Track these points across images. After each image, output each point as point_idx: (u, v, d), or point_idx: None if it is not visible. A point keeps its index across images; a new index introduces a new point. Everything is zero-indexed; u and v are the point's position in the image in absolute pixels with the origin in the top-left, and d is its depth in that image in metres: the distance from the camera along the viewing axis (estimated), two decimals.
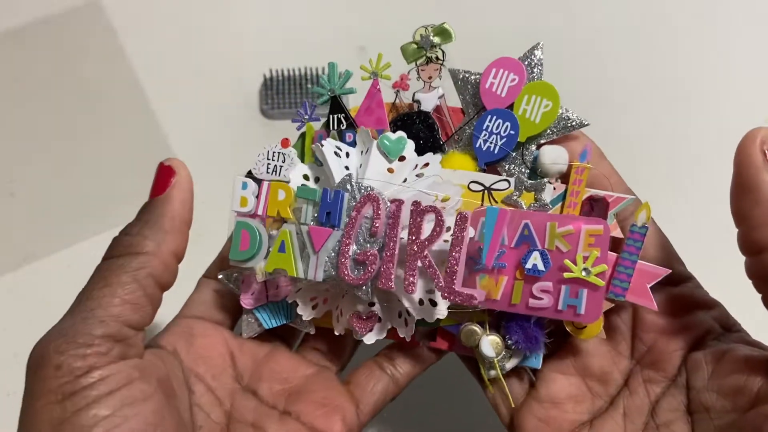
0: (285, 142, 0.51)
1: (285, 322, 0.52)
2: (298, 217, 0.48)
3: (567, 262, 0.44)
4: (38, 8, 0.77)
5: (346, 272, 0.46)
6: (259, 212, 0.49)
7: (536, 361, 0.48)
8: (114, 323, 0.40)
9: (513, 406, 0.49)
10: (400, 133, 0.49)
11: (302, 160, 0.51)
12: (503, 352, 0.47)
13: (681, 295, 0.47)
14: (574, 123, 0.46)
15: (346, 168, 0.49)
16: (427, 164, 0.48)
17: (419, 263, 0.45)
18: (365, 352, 0.55)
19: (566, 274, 0.44)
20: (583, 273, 0.44)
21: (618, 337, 0.49)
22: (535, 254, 0.44)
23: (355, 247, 0.46)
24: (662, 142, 0.76)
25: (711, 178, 0.66)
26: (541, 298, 0.45)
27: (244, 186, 0.49)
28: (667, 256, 0.48)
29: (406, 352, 0.52)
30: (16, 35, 0.77)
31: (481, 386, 0.52)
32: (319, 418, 0.48)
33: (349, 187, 0.47)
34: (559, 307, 0.44)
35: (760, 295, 0.40)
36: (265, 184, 0.49)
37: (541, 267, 0.44)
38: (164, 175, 0.44)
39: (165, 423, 0.41)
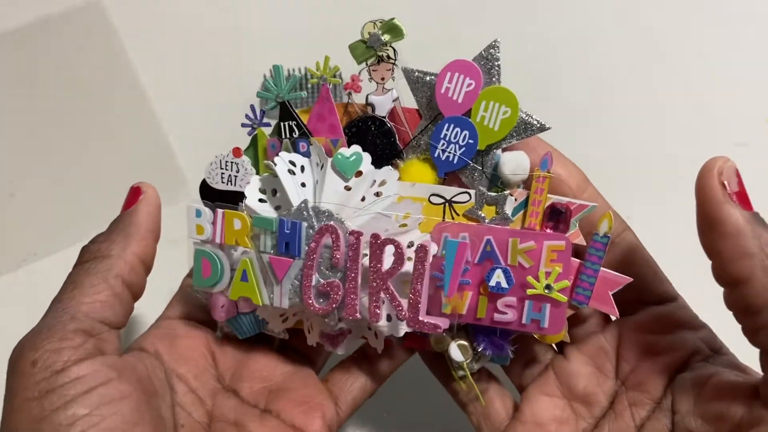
0: (237, 152, 0.46)
1: (259, 331, 0.48)
2: (257, 245, 0.43)
3: (530, 278, 0.41)
4: (38, 8, 0.73)
5: (311, 302, 0.42)
6: (217, 240, 0.44)
7: (504, 360, 0.45)
8: (85, 318, 0.39)
9: (483, 405, 0.46)
10: (355, 148, 0.43)
11: (256, 167, 0.46)
12: (472, 355, 0.45)
13: (666, 314, 0.43)
14: (534, 127, 0.42)
15: (303, 185, 0.43)
16: (384, 182, 0.43)
17: (382, 295, 0.40)
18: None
19: (529, 291, 0.41)
20: (546, 290, 0.41)
21: (602, 357, 0.44)
22: (498, 272, 0.41)
23: (317, 276, 0.42)
24: (651, 158, 0.71)
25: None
26: (505, 313, 0.42)
27: (198, 214, 0.45)
28: (653, 275, 0.43)
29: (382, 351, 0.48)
30: (16, 35, 0.74)
31: (445, 388, 0.49)
32: (299, 416, 0.46)
33: (305, 213, 0.42)
34: (523, 321, 0.42)
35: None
36: (219, 213, 0.44)
37: (504, 284, 0.41)
38: (133, 193, 0.45)
39: (144, 421, 0.39)
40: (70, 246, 0.72)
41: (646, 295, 0.43)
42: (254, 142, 0.47)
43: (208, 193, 0.48)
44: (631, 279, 0.42)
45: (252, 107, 0.47)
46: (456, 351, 0.44)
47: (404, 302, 0.40)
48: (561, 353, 0.46)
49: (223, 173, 0.47)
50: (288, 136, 0.46)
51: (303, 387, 0.48)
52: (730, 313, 0.37)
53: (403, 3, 0.75)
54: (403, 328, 0.42)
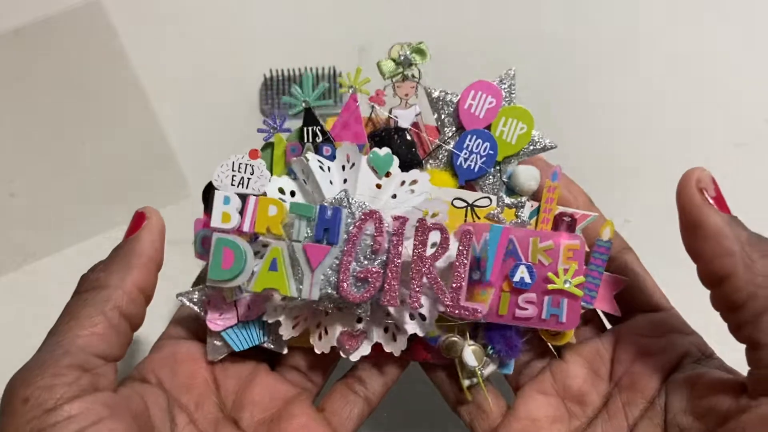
0: (254, 153, 0.46)
1: (256, 344, 0.47)
2: (289, 234, 0.43)
3: (550, 274, 0.44)
4: (38, 8, 0.74)
5: (347, 290, 0.42)
6: (246, 228, 0.43)
7: (508, 368, 0.47)
8: (80, 353, 0.38)
9: (492, 409, 0.47)
10: (387, 150, 0.45)
11: (270, 171, 0.47)
12: (484, 360, 0.46)
13: (660, 320, 0.46)
14: (544, 145, 0.47)
15: (330, 183, 0.45)
16: (415, 181, 0.45)
17: (425, 279, 0.42)
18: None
19: (550, 286, 0.44)
20: (566, 285, 0.44)
21: (598, 361, 0.46)
22: (522, 268, 0.44)
23: (355, 264, 0.43)
24: (650, 158, 0.72)
25: None
26: (526, 309, 0.44)
27: (227, 201, 0.44)
28: (649, 287, 0.46)
29: (373, 371, 0.49)
30: (16, 35, 0.74)
31: (445, 399, 0.50)
32: None
33: (345, 203, 0.43)
34: (543, 317, 0.44)
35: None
36: (252, 199, 0.43)
37: (528, 280, 0.44)
38: (137, 219, 0.44)
39: None
40: (70, 246, 0.71)
41: (641, 304, 0.47)
42: (270, 148, 0.49)
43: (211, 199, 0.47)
44: (628, 280, 0.46)
45: (272, 114, 0.48)
46: (470, 355, 0.45)
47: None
48: (559, 357, 0.48)
49: (234, 176, 0.46)
50: (311, 140, 0.47)
51: (302, 416, 0.47)
52: (721, 321, 0.40)
53: (401, 6, 0.76)
54: (427, 328, 0.44)
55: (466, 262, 0.42)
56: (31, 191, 0.73)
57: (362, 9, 0.77)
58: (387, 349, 0.45)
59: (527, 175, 0.47)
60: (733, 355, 0.41)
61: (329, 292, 0.43)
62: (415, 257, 0.42)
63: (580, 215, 0.46)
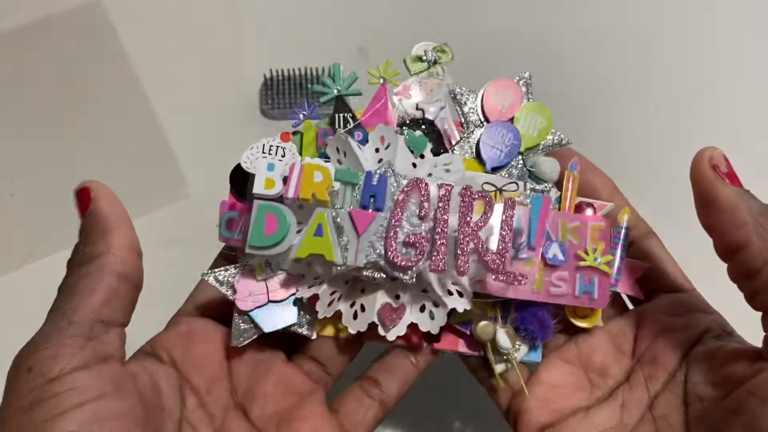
0: (285, 136, 0.45)
1: (288, 325, 0.45)
2: (333, 201, 0.43)
3: (580, 252, 0.46)
4: (38, 8, 0.74)
5: (395, 255, 0.42)
6: (290, 194, 0.43)
7: (537, 355, 0.48)
8: (84, 322, 0.38)
9: (528, 396, 0.47)
10: (420, 133, 0.47)
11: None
12: (516, 343, 0.47)
13: (682, 300, 0.47)
14: (561, 141, 0.50)
15: (367, 161, 0.45)
16: (450, 161, 0.46)
17: (472, 245, 0.42)
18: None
19: (581, 263, 0.45)
20: (596, 261, 0.45)
21: (622, 338, 0.48)
22: (554, 245, 0.46)
23: (401, 231, 0.43)
24: (650, 158, 0.74)
25: None
26: (559, 286, 0.46)
27: (271, 167, 0.44)
28: (671, 269, 0.48)
29: (389, 374, 0.48)
30: (16, 35, 0.74)
31: (482, 385, 0.50)
32: None
33: (390, 173, 0.44)
34: (576, 294, 0.46)
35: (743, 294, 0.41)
36: (297, 165, 0.43)
37: (560, 257, 0.45)
38: (82, 196, 0.43)
39: None
40: (70, 246, 0.72)
41: (664, 285, 0.48)
42: (299, 136, 0.50)
43: (238, 182, 0.48)
44: (649, 264, 0.48)
45: (303, 102, 0.49)
46: (504, 337, 0.46)
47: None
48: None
49: (264, 158, 0.46)
50: (342, 126, 0.48)
51: (314, 416, 0.46)
52: (739, 307, 0.41)
53: (401, 6, 0.78)
54: (465, 304, 0.44)
55: (511, 226, 0.43)
56: (31, 191, 0.72)
57: (362, 9, 0.79)
58: (424, 329, 0.45)
59: (549, 165, 0.49)
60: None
61: (375, 259, 0.42)
62: (462, 222, 0.42)
63: (599, 204, 0.48)
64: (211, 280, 0.45)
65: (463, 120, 0.50)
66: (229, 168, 0.47)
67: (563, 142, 0.50)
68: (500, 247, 0.43)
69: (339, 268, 0.43)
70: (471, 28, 0.77)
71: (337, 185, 0.43)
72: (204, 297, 0.48)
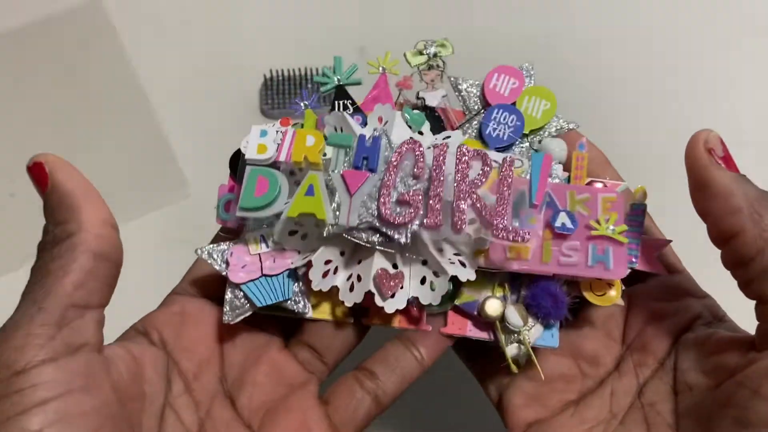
0: (285, 121, 0.45)
1: (281, 299, 0.43)
2: (327, 166, 0.42)
3: (592, 222, 0.43)
4: (38, 8, 0.74)
5: (388, 212, 0.40)
6: (282, 158, 0.42)
7: (553, 338, 0.45)
8: (56, 307, 0.35)
9: (543, 378, 0.45)
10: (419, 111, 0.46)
11: None
12: (528, 322, 0.44)
13: (672, 283, 0.46)
14: (569, 125, 0.49)
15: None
16: (449, 136, 0.46)
17: (469, 201, 0.40)
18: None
19: (593, 233, 0.43)
20: (609, 230, 0.43)
21: (611, 323, 0.47)
22: (562, 214, 0.43)
23: (395, 190, 0.41)
24: (650, 158, 0.72)
25: None
26: (570, 256, 0.43)
27: (263, 133, 0.43)
28: (664, 252, 0.47)
29: (388, 365, 0.46)
30: (16, 35, 0.74)
31: (475, 376, 0.48)
32: None
33: (384, 136, 0.42)
34: (589, 263, 0.43)
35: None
36: (290, 130, 0.42)
37: (569, 225, 0.43)
38: (37, 171, 0.40)
39: None
40: None
41: None
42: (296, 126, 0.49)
43: (237, 167, 0.46)
44: (671, 240, 0.45)
45: (304, 92, 0.48)
46: (514, 314, 0.43)
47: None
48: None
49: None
50: (342, 111, 0.48)
51: (302, 410, 0.44)
52: (732, 295, 0.40)
53: (401, 6, 0.78)
54: (467, 273, 0.41)
55: (509, 184, 0.41)
56: (31, 191, 0.72)
57: (362, 9, 0.79)
58: (425, 301, 0.42)
59: (556, 144, 0.48)
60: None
61: (368, 219, 0.40)
62: (459, 179, 0.41)
63: (611, 184, 0.47)
64: (204, 255, 0.43)
65: (464, 109, 0.50)
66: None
67: (570, 126, 0.49)
68: (499, 207, 0.41)
69: (331, 228, 0.41)
70: (471, 28, 0.77)
71: (330, 151, 0.42)
72: (200, 275, 0.47)
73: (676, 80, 0.78)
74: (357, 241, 0.41)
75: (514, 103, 0.49)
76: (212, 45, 0.77)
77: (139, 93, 0.75)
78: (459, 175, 0.41)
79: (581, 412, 0.45)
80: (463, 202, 0.41)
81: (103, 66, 0.75)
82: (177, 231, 0.68)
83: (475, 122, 0.49)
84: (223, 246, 0.44)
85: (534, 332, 0.44)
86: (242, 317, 0.43)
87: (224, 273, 0.42)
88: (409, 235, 0.41)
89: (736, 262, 0.38)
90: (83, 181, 0.38)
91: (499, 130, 0.48)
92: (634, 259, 0.44)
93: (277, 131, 0.43)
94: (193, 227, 0.66)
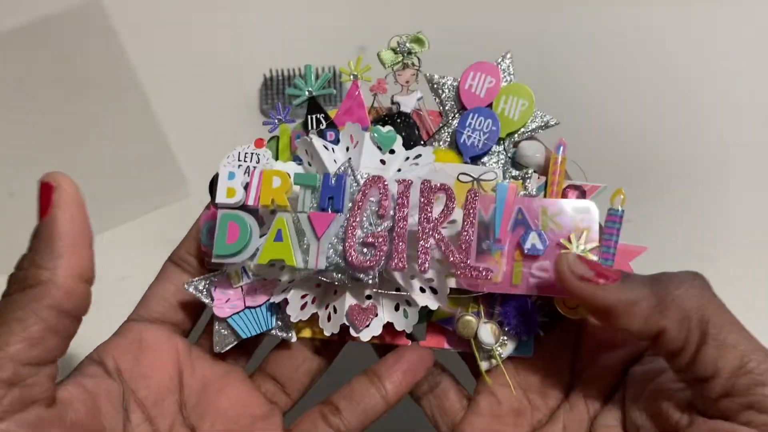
0: (259, 143, 0.46)
1: (264, 330, 0.45)
2: (294, 206, 0.43)
3: (563, 240, 0.43)
4: (38, 8, 0.74)
5: (353, 256, 0.41)
6: (250, 202, 0.43)
7: (528, 349, 0.46)
8: (8, 365, 0.34)
9: (514, 393, 0.45)
10: (389, 128, 0.46)
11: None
12: (501, 339, 0.45)
13: None
14: (546, 122, 0.48)
15: (335, 162, 0.44)
16: (419, 155, 0.45)
17: (432, 241, 0.41)
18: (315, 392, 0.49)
19: (563, 251, 0.42)
20: (578, 249, 0.43)
21: (561, 351, 0.46)
22: (533, 234, 0.43)
23: (361, 230, 0.42)
24: (650, 158, 0.71)
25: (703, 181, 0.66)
26: (540, 277, 0.43)
27: (231, 176, 0.44)
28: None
29: (352, 401, 0.45)
30: (16, 35, 0.74)
31: (421, 407, 0.48)
32: None
33: (350, 172, 0.43)
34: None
35: None
36: (257, 172, 0.43)
37: (539, 246, 0.43)
38: (45, 193, 0.38)
39: None
40: None
41: None
42: (275, 140, 0.49)
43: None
44: (647, 247, 0.45)
45: (277, 105, 0.48)
46: (486, 333, 0.45)
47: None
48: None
49: (240, 165, 0.46)
50: (315, 127, 0.48)
51: None
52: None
53: (401, 6, 0.77)
54: (438, 301, 0.43)
55: (473, 221, 0.41)
56: (31, 191, 0.73)
57: (362, 9, 0.78)
58: (399, 327, 0.44)
59: (532, 148, 0.47)
60: None
61: (336, 261, 0.42)
62: (422, 218, 0.41)
63: (590, 187, 0.46)
64: (191, 290, 0.45)
65: (440, 109, 0.49)
66: None
67: (549, 123, 0.48)
68: (462, 242, 0.41)
69: (301, 272, 0.42)
70: (472, 28, 0.76)
71: (297, 188, 0.43)
72: (160, 296, 0.46)
73: (661, 79, 0.75)
74: (328, 281, 0.43)
75: (490, 105, 0.48)
76: (212, 45, 0.77)
77: (138, 93, 0.75)
78: (423, 215, 0.42)
79: None
80: (426, 242, 0.41)
81: (102, 66, 0.75)
82: (177, 231, 0.68)
83: (451, 127, 0.49)
84: (210, 279, 0.46)
85: (507, 348, 0.46)
86: (230, 346, 0.46)
87: (210, 306, 0.45)
88: (376, 275, 0.42)
89: (669, 354, 0.38)
90: (81, 226, 0.38)
91: (474, 138, 0.47)
92: None
93: (245, 171, 0.45)
94: (192, 227, 0.66)
